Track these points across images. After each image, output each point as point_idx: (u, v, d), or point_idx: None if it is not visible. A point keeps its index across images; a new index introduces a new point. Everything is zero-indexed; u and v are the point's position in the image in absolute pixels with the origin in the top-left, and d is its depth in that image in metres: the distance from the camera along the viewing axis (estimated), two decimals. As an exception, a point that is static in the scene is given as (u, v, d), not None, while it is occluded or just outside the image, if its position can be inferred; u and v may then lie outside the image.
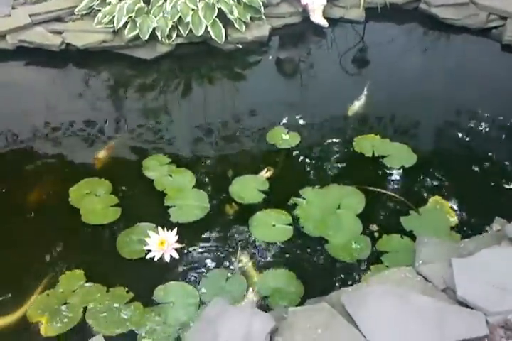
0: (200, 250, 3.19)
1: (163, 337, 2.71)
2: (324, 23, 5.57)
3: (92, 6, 5.28)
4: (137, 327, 2.77)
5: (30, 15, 5.18)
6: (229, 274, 3.01)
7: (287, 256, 3.11)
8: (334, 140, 4.05)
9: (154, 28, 5.06)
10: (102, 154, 3.93)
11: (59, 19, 5.29)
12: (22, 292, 2.94)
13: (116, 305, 2.87)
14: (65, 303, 2.89)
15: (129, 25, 5.06)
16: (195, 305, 2.85)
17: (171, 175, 3.70)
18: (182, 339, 2.67)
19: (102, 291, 2.94)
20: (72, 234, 3.31)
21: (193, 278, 3.03)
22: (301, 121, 4.28)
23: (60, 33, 5.13)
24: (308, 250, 3.14)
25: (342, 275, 2.96)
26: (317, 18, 5.59)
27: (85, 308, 2.86)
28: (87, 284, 2.97)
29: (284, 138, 4.09)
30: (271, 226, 3.27)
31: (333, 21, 5.54)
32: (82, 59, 5.04)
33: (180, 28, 5.16)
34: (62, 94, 4.75)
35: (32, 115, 4.34)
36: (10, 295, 2.95)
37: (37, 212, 3.44)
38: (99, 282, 2.98)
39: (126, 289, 2.95)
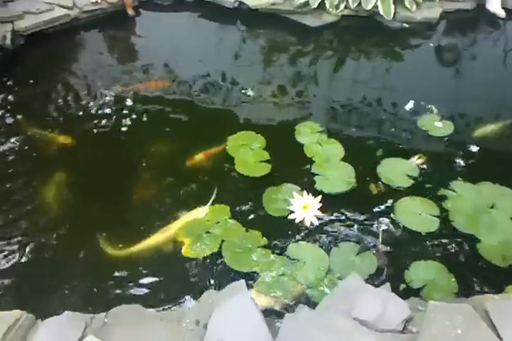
0: (338, 222, 3.25)
1: (284, 289, 2.83)
2: (501, 12, 5.24)
3: (267, -31, 5.38)
4: (262, 271, 2.92)
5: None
6: (361, 250, 3.04)
7: (435, 248, 3.07)
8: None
9: (324, -3, 5.07)
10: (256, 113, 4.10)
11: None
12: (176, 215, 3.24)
13: (250, 245, 3.04)
14: (208, 232, 3.12)
15: (300, -9, 5.11)
16: (325, 270, 2.93)
17: (320, 144, 3.77)
18: (310, 298, 2.78)
19: (241, 230, 3.13)
20: (224, 179, 3.52)
21: (326, 244, 3.11)
22: (455, 111, 4.12)
23: (234, -10, 5.31)
24: (458, 245, 3.07)
25: (490, 279, 2.87)
26: (494, 6, 5.27)
27: (223, 241, 3.07)
28: (230, 220, 3.18)
29: (437, 125, 3.99)
30: (416, 215, 3.24)
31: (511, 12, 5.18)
32: (251, 18, 5.21)
33: (349, 0, 5.12)
34: (225, 49, 4.97)
35: (200, 64, 4.62)
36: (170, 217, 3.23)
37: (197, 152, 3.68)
38: (240, 222, 3.17)
39: (263, 236, 3.09)
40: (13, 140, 3.78)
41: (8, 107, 4.09)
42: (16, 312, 2.38)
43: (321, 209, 3.20)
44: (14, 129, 3.88)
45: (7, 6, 4.86)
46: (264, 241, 3.06)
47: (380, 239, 3.12)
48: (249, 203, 3.32)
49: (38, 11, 4.87)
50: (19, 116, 4.00)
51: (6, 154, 3.67)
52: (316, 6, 5.08)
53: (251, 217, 3.25)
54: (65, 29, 4.97)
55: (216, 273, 2.92)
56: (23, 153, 3.69)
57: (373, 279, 2.87)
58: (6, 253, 3.01)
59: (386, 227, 3.19)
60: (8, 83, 4.34)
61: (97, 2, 5.06)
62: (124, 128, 3.93)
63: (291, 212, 3.24)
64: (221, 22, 5.29)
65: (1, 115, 4.01)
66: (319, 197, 3.23)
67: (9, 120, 3.97)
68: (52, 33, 4.88)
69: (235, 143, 3.74)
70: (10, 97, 4.19)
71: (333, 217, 3.27)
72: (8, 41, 4.55)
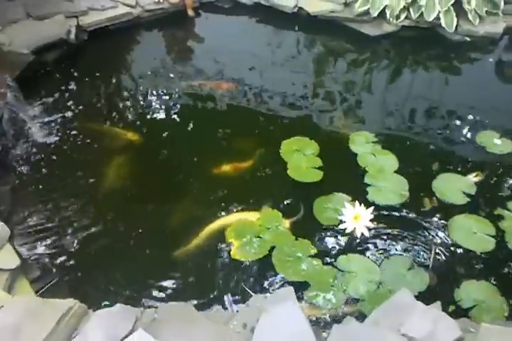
0: (390, 234, 3.20)
1: (333, 300, 2.79)
2: None
3: (330, -25, 5.38)
4: (312, 281, 2.88)
5: (268, -25, 5.43)
6: (412, 265, 2.97)
7: (488, 268, 2.98)
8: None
9: (385, 6, 5.01)
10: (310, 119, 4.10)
11: (294, -18, 5.46)
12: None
13: (299, 254, 3.02)
14: (258, 237, 3.11)
15: (361, 0, 5.07)
16: (376, 283, 2.89)
17: (374, 155, 3.72)
18: (359, 310, 2.74)
19: (291, 238, 3.11)
20: (276, 182, 3.53)
21: (376, 257, 3.06)
22: (516, 129, 4.01)
23: (294, -4, 5.32)
24: (512, 268, 2.99)
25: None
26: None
27: (273, 247, 3.05)
28: (281, 228, 3.17)
29: (496, 142, 3.88)
30: (471, 233, 3.16)
31: None
32: (309, 25, 5.20)
33: (411, 10, 5.05)
34: (281, 54, 4.98)
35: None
36: (222, 213, 3.28)
37: (252, 154, 3.71)
38: (292, 230, 3.15)
39: (313, 246, 3.07)
40: (76, 133, 3.88)
41: (72, 100, 4.19)
42: (70, 301, 2.43)
43: (372, 220, 3.15)
44: (76, 122, 3.98)
45: (73, 1, 5.01)
46: (314, 250, 3.03)
47: (433, 256, 3.05)
48: (300, 210, 3.30)
49: (103, 8, 4.99)
50: (81, 109, 4.11)
51: (70, 148, 3.76)
52: (376, 15, 5.02)
53: (301, 224, 3.22)
54: (126, 27, 5.07)
55: (264, 278, 2.92)
56: (88, 147, 3.77)
57: (424, 296, 2.79)
58: (63, 242, 3.08)
59: (439, 244, 3.11)
60: (71, 76, 4.46)
61: (159, 2, 5.15)
62: (185, 126, 3.99)
63: (342, 221, 3.20)
64: (279, 27, 5.30)
65: (65, 107, 4.11)
66: (371, 209, 3.18)
67: (72, 113, 4.07)
68: (114, 29, 5.00)
69: (289, 147, 3.74)
70: (72, 90, 4.31)
71: (384, 230, 3.22)
72: (72, 36, 4.68)
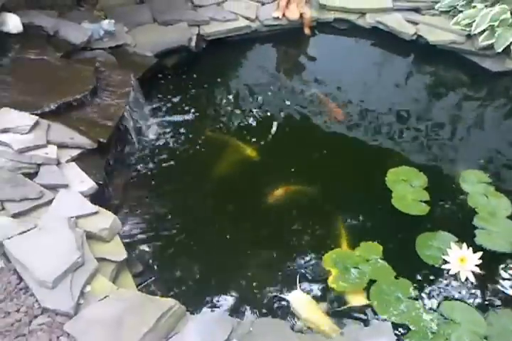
0: (498, 284, 3.00)
1: None
2: None
3: (454, 6, 5.25)
4: (412, 325, 2.74)
5: (392, 0, 5.38)
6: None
7: None
8: None
9: (511, 43, 4.80)
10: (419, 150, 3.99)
11: (417, 10, 5.38)
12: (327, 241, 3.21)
13: (399, 294, 2.89)
14: (356, 267, 3.03)
15: (486, 33, 4.89)
16: (481, 336, 2.70)
17: (486, 196, 3.53)
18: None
19: (391, 275, 2.99)
20: (380, 211, 3.44)
21: (482, 307, 2.87)
22: None
23: (415, 23, 5.23)
24: None
25: None
26: None
27: (371, 281, 2.95)
28: (381, 261, 3.06)
29: None
30: None
31: None
32: (427, 54, 5.08)
33: (539, 49, 4.81)
34: (393, 81, 4.90)
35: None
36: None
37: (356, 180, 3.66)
38: (392, 264, 3.04)
39: (414, 285, 2.93)
40: (190, 137, 3.99)
41: (187, 105, 4.33)
42: (171, 301, 2.46)
43: (479, 265, 2.99)
44: (192, 126, 4.10)
45: (197, 11, 5.21)
46: (415, 292, 2.90)
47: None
48: (402, 244, 3.19)
49: (224, 19, 5.14)
50: (197, 114, 4.24)
51: (182, 150, 3.87)
52: (500, 50, 4.82)
53: (402, 260, 3.11)
54: (243, 39, 5.19)
55: (361, 310, 2.82)
56: (203, 152, 3.87)
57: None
58: (166, 240, 3.16)
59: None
60: (188, 82, 4.62)
61: (278, 18, 5.24)
62: (295, 147, 3.99)
63: (446, 262, 3.06)
64: (395, 53, 5.22)
65: (180, 110, 4.26)
66: (479, 253, 3.02)
67: (188, 116, 4.20)
68: (231, 41, 5.13)
69: (395, 177, 3.64)
70: (188, 95, 4.46)
71: (492, 278, 3.03)
72: (193, 43, 4.85)
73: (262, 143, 3.98)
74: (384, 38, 5.21)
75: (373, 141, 4.09)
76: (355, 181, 3.65)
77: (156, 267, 2.97)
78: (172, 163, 3.74)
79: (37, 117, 3.23)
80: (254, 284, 2.94)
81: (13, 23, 3.87)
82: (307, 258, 3.10)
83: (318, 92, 4.54)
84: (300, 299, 2.82)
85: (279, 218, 3.40)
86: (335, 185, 3.62)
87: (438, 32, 5.07)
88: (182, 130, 4.05)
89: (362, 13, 5.35)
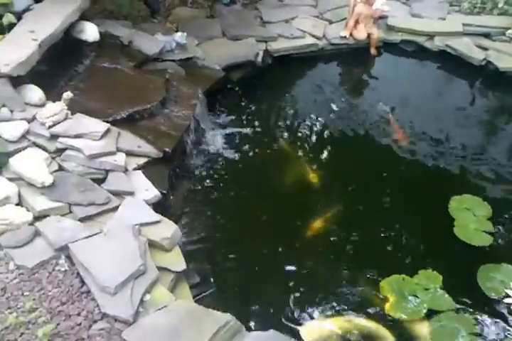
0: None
1: None
2: None
3: (526, 33, 5.09)
4: None
5: (462, 24, 5.27)
6: None
7: None
8: None
9: None
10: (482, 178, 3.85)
11: (487, 35, 5.25)
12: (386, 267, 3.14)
13: (462, 333, 2.78)
14: (415, 296, 2.94)
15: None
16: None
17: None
18: None
19: (450, 305, 2.90)
20: (441, 239, 3.36)
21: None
22: None
23: (485, 49, 5.09)
24: None
25: None
26: None
27: (429, 310, 2.87)
28: (440, 291, 2.97)
29: None
30: None
31: None
32: (495, 79, 4.94)
33: None
34: (456, 106, 4.77)
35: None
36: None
37: (417, 204, 3.58)
38: (451, 294, 2.95)
39: (475, 320, 2.83)
40: (252, 150, 4.04)
41: (250, 118, 4.41)
42: (227, 315, 2.47)
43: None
44: (254, 142, 4.14)
45: (266, 27, 5.28)
46: (477, 327, 2.79)
47: None
48: (463, 275, 3.08)
49: (292, 37, 5.18)
50: (259, 128, 4.30)
51: (243, 163, 3.91)
52: None
53: (462, 290, 3.00)
54: (308, 56, 5.21)
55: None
56: (263, 167, 3.91)
57: None
58: (223, 253, 3.19)
59: None
60: (252, 96, 4.66)
61: (345, 37, 5.23)
62: (352, 171, 3.94)
63: (509, 295, 2.94)
64: (462, 77, 5.11)
65: (244, 123, 4.33)
66: (544, 290, 2.88)
67: (250, 130, 4.27)
68: (296, 57, 5.15)
69: (459, 204, 3.55)
70: (251, 109, 4.52)
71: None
72: (259, 59, 4.91)
73: (323, 160, 3.97)
74: (451, 62, 5.10)
75: (437, 166, 4.00)
76: (417, 206, 3.58)
77: (212, 279, 2.98)
78: (233, 175, 3.77)
79: (108, 124, 3.34)
80: (309, 306, 2.90)
81: (91, 32, 4.02)
82: (364, 283, 3.03)
83: (386, 112, 4.48)
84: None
85: (337, 239, 3.36)
86: (395, 209, 3.57)
87: (508, 58, 4.93)
88: (243, 143, 4.10)
89: (430, 35, 5.27)
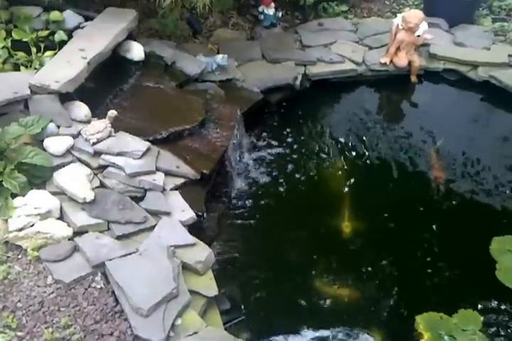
0: None
1: None
2: None
3: None
4: None
5: (508, 55, 5.19)
6: None
7: None
8: None
9: None
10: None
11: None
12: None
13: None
14: (451, 336, 2.87)
15: None
16: None
17: None
18: None
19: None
20: (482, 281, 3.26)
21: None
22: None
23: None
24: None
25: None
26: None
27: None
28: (479, 333, 2.89)
29: None
30: None
31: None
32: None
33: None
34: (497, 141, 4.65)
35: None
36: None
37: (456, 243, 3.51)
38: (489, 337, 2.86)
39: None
40: (290, 174, 4.05)
41: (288, 142, 4.41)
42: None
43: None
44: (291, 166, 4.14)
45: (305, 51, 5.31)
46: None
47: None
48: (504, 318, 2.98)
49: (330, 61, 5.19)
50: (294, 155, 4.28)
51: (281, 187, 3.90)
52: None
53: (502, 334, 2.92)
54: (347, 82, 5.20)
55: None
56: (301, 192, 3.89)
57: None
58: (254, 279, 3.17)
59: None
60: (290, 119, 4.67)
61: (386, 64, 5.21)
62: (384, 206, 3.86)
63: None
64: (505, 110, 4.98)
65: (281, 147, 4.34)
66: None
67: (287, 154, 4.26)
68: (335, 82, 5.15)
69: (501, 246, 3.44)
70: (289, 133, 4.52)
71: None
72: (298, 82, 4.92)
73: (357, 187, 3.94)
74: (495, 94, 5.00)
75: (477, 203, 3.90)
76: (456, 245, 3.48)
77: (243, 306, 2.95)
78: (268, 199, 3.76)
79: (149, 143, 3.37)
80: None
81: (137, 51, 4.10)
82: (399, 317, 2.96)
83: (426, 144, 4.42)
84: None
85: (376, 274, 3.31)
86: (432, 247, 3.49)
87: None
88: (280, 166, 4.09)
89: (474, 65, 5.19)
